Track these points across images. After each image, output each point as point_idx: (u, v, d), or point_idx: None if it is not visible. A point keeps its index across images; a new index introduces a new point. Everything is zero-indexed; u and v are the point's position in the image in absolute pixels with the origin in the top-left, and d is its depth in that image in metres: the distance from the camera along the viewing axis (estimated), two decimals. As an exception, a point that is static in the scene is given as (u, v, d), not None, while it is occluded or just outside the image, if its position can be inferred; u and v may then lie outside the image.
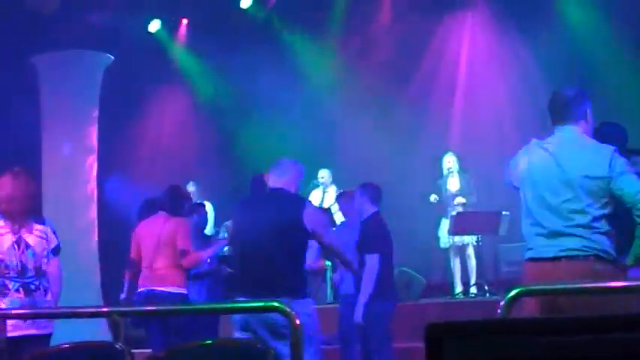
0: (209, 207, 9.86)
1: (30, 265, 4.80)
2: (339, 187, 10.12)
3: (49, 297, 4.87)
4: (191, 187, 10.18)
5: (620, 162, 3.95)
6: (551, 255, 3.90)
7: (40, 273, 4.84)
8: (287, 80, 11.89)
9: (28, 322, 4.65)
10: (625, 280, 3.95)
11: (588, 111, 4.18)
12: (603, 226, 3.91)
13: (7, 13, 9.84)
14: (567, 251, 3.88)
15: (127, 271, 6.66)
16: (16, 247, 4.78)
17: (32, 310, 4.70)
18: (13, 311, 4.61)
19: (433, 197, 9.72)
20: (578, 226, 3.89)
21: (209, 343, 3.73)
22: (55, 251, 4.97)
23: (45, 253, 4.89)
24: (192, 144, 12.29)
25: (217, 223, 9.95)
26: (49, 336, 4.82)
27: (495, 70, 10.68)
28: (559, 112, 4.18)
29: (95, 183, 10.84)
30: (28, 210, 4.89)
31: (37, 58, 10.64)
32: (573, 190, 3.93)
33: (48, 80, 10.66)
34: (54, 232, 5.02)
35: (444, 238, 9.83)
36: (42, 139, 10.65)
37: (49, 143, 10.59)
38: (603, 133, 4.87)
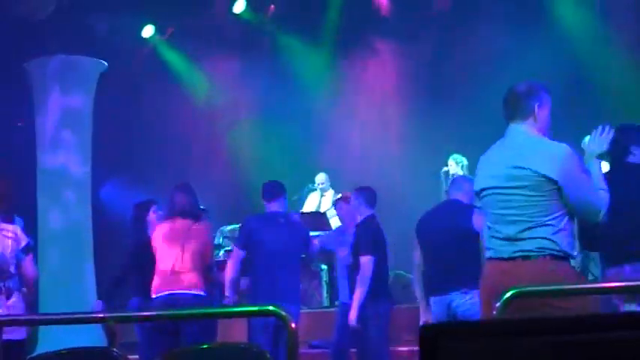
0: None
1: None
2: (336, 191, 10.11)
3: (11, 301, 4.77)
4: None
5: (571, 167, 3.83)
6: (506, 255, 3.86)
7: (5, 275, 4.74)
8: (283, 84, 11.89)
9: None
10: (615, 280, 3.98)
11: (537, 107, 4.00)
12: (558, 223, 3.82)
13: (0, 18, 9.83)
14: (522, 252, 3.82)
15: (135, 276, 6.51)
16: None
17: (23, 315, 4.67)
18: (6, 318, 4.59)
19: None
20: (530, 228, 3.82)
21: (208, 347, 3.73)
22: (26, 250, 4.88)
23: (13, 253, 4.79)
24: (187, 149, 12.28)
25: (212, 229, 9.92)
26: (19, 342, 4.73)
27: (496, 72, 10.67)
28: (507, 108, 4.08)
29: (90, 188, 10.82)
30: None
31: (30, 64, 10.62)
32: (522, 191, 3.84)
33: (42, 86, 10.63)
34: (23, 231, 4.95)
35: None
36: (36, 145, 10.62)
37: (43, 149, 10.56)
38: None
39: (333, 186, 10.26)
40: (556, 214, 3.82)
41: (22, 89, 10.69)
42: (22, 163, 10.17)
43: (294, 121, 11.81)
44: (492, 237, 3.97)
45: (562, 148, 3.87)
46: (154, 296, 6.21)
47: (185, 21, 11.79)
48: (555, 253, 3.80)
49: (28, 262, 4.88)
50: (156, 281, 6.24)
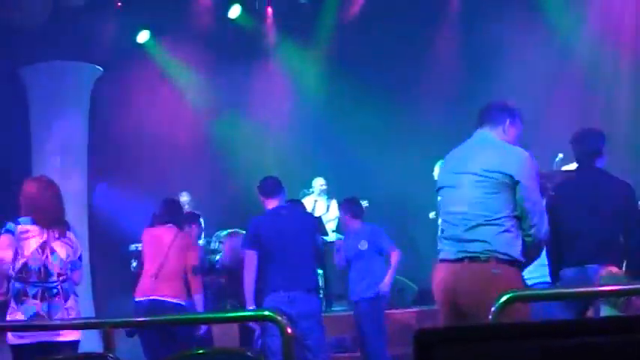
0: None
1: (54, 270, 4.86)
2: (330, 196, 10.10)
3: (69, 303, 4.90)
4: (185, 197, 10.18)
5: (529, 171, 3.94)
6: (453, 257, 3.96)
7: (63, 276, 4.89)
8: (279, 89, 11.89)
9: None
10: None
11: (509, 121, 4.13)
12: (504, 223, 3.89)
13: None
14: (468, 253, 3.90)
15: None
16: (40, 250, 4.84)
17: (33, 320, 4.68)
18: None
19: (432, 214, 9.79)
20: (477, 226, 3.89)
21: (202, 353, 3.72)
22: (81, 258, 5.11)
23: (70, 259, 4.96)
24: (182, 154, 12.27)
25: (208, 234, 9.92)
26: (69, 343, 4.75)
27: (489, 75, 10.68)
28: (480, 116, 4.19)
29: (86, 193, 10.81)
30: (59, 217, 5.02)
31: (26, 69, 10.62)
32: (472, 190, 3.94)
33: (37, 92, 10.63)
34: (76, 238, 5.14)
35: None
36: (32, 151, 10.62)
37: (39, 155, 10.56)
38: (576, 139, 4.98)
39: (328, 191, 10.25)
40: (504, 214, 3.89)
41: (17, 95, 10.69)
42: (18, 168, 10.16)
43: (290, 126, 11.81)
44: (442, 237, 4.08)
45: (523, 151, 4.00)
46: (136, 299, 6.42)
47: (181, 26, 11.79)
48: (500, 256, 3.85)
49: (78, 273, 5.08)
50: (140, 284, 6.46)
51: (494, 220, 3.88)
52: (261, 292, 6.20)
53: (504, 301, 3.07)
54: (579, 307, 4.80)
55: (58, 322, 4.64)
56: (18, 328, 4.66)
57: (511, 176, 3.88)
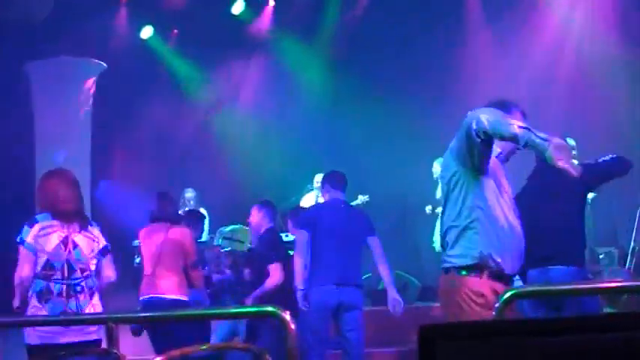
0: (203, 213, 9.87)
1: (77, 266, 4.76)
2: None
3: (95, 300, 4.83)
4: (190, 193, 10.20)
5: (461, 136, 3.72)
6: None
7: (86, 274, 4.80)
8: (281, 85, 11.88)
9: (68, 328, 4.59)
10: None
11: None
12: (460, 223, 3.72)
13: (-1, 20, 9.85)
14: (443, 263, 3.84)
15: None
16: (62, 246, 4.74)
17: (47, 316, 4.64)
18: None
19: (428, 208, 9.78)
20: (445, 232, 3.79)
21: (204, 349, 3.73)
22: (104, 252, 4.97)
23: (93, 254, 4.88)
24: (185, 150, 12.28)
25: (212, 230, 9.93)
26: (91, 342, 4.68)
27: (490, 74, 10.67)
28: None
29: (89, 189, 10.82)
30: (80, 210, 4.92)
31: (29, 65, 10.63)
32: (445, 199, 3.83)
33: (41, 88, 10.65)
34: (101, 232, 5.03)
35: (438, 242, 9.85)
36: (35, 146, 10.64)
37: (42, 150, 10.58)
38: None
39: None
40: (459, 208, 3.72)
41: (21, 91, 10.70)
42: (22, 164, 10.18)
43: (292, 121, 11.80)
44: None
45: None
46: (140, 299, 6.46)
47: (183, 21, 11.80)
48: (458, 264, 3.71)
49: (106, 263, 4.99)
50: (141, 284, 6.50)
51: (454, 220, 3.73)
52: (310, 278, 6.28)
53: (507, 299, 3.08)
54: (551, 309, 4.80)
55: (62, 318, 4.61)
56: (29, 324, 4.59)
57: (453, 162, 3.75)
